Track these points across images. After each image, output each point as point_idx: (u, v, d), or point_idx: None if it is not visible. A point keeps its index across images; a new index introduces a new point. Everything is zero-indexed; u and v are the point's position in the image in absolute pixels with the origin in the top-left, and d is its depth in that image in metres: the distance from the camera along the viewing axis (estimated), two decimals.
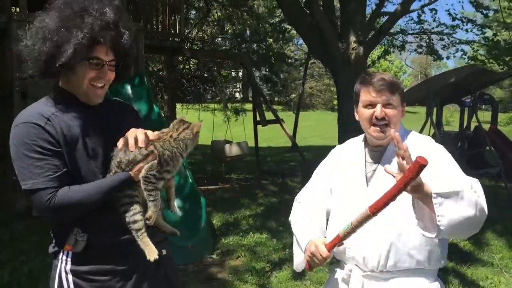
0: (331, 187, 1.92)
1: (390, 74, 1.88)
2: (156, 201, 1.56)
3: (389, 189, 1.44)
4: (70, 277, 1.56)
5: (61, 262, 1.57)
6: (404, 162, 1.44)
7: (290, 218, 2.01)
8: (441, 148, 1.76)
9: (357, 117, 1.85)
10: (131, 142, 1.54)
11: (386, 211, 1.59)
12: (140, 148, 1.54)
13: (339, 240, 1.63)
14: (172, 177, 1.65)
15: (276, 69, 16.02)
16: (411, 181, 1.38)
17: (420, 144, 1.76)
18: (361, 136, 1.93)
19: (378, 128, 1.74)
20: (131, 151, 1.54)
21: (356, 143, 1.94)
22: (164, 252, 1.71)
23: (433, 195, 1.43)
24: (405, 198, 1.58)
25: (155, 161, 1.54)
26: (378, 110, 1.73)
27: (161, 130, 1.62)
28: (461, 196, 1.46)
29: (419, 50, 10.53)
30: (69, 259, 1.56)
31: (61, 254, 1.58)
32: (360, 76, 1.85)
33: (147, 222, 1.57)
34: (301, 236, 1.87)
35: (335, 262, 1.91)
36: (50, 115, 1.52)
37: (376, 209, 1.46)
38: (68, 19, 1.49)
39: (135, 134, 1.55)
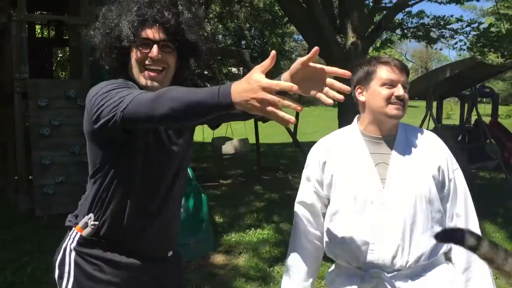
0: (330, 179, 1.75)
1: None
2: None
3: None
4: (73, 254, 1.59)
5: (69, 239, 1.61)
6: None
7: (291, 236, 1.88)
8: (453, 158, 1.77)
9: (361, 98, 1.74)
10: None
11: (410, 205, 1.64)
12: None
13: None
14: None
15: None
16: None
17: (432, 144, 1.75)
18: (350, 128, 1.82)
19: (399, 106, 1.65)
20: None
21: (346, 133, 1.81)
22: (170, 253, 1.73)
23: None
24: (426, 192, 1.65)
25: None
26: (401, 90, 1.65)
27: None
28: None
29: (418, 33, 10.43)
30: (76, 238, 1.60)
31: (72, 230, 1.62)
32: (368, 57, 1.78)
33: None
34: (290, 279, 1.83)
35: (342, 269, 1.78)
36: None
37: None
38: (123, 4, 1.51)
39: None
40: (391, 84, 1.66)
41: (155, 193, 1.59)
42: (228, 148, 8.39)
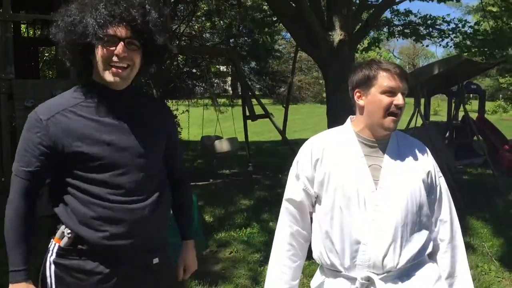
0: (322, 177, 1.73)
1: None
2: None
3: None
4: (52, 267, 1.59)
5: (49, 252, 1.61)
6: None
7: (276, 234, 1.87)
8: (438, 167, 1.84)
9: (360, 102, 1.72)
10: None
11: (402, 207, 1.66)
12: None
13: None
14: None
15: (264, 59, 16.02)
16: None
17: (420, 151, 1.81)
18: (342, 128, 1.81)
19: (395, 118, 1.67)
20: None
21: (340, 133, 1.80)
22: (156, 260, 1.70)
23: None
24: (415, 194, 1.69)
25: None
26: (401, 99, 1.66)
27: None
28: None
29: (405, 31, 10.46)
30: (54, 250, 1.59)
31: (51, 243, 1.61)
32: (367, 61, 1.75)
33: None
34: (277, 279, 1.83)
35: (329, 273, 1.76)
36: (62, 110, 1.55)
37: None
38: (85, 2, 1.51)
39: None
40: (392, 92, 1.66)
41: (110, 196, 1.56)
42: (217, 147, 8.38)
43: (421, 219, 1.71)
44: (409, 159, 1.74)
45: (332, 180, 1.71)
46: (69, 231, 1.56)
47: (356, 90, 1.74)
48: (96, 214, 1.54)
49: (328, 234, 1.71)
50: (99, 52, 1.51)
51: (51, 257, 1.59)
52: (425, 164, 1.77)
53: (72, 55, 1.56)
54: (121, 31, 1.50)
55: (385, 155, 1.72)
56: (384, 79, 1.66)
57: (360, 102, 1.73)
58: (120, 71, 1.53)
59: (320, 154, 1.76)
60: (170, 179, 1.80)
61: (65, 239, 1.56)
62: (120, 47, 1.50)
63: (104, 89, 1.57)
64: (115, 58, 1.51)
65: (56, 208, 1.59)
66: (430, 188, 1.76)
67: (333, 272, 1.73)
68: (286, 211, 1.84)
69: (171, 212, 1.84)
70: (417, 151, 1.79)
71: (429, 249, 1.76)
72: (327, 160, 1.74)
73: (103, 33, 1.48)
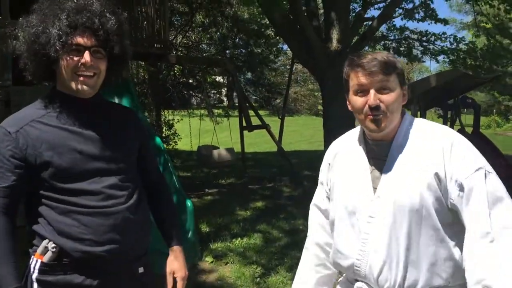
0: (331, 185, 1.65)
1: (385, 52, 1.58)
2: None
3: None
4: (35, 286, 1.54)
5: (30, 270, 1.55)
6: None
7: (307, 242, 1.79)
8: (472, 154, 1.45)
9: (350, 108, 1.54)
10: None
11: (397, 219, 1.42)
12: None
13: None
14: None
15: (261, 70, 16.12)
16: None
17: (437, 145, 1.44)
18: (359, 127, 1.63)
19: (372, 117, 1.44)
20: None
21: (354, 135, 1.63)
22: (141, 270, 1.67)
23: None
24: (422, 209, 1.41)
25: None
26: (372, 98, 1.42)
27: None
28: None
29: (400, 49, 10.56)
30: (37, 268, 1.54)
31: (31, 260, 1.56)
32: (348, 58, 1.53)
33: None
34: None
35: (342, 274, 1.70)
36: (30, 122, 1.53)
37: None
38: (46, 12, 1.51)
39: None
40: (363, 90, 1.45)
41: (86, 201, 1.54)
42: (214, 157, 8.37)
43: (429, 233, 1.41)
44: (415, 159, 1.45)
45: (336, 189, 1.61)
46: (53, 245, 1.51)
47: (346, 94, 1.57)
48: (76, 222, 1.51)
49: (334, 244, 1.64)
50: (65, 61, 1.51)
51: (33, 275, 1.53)
52: (435, 163, 1.41)
53: (35, 67, 1.55)
54: (86, 40, 1.50)
55: (388, 158, 1.49)
56: (353, 78, 1.47)
57: (349, 107, 1.56)
58: (87, 79, 1.53)
59: (332, 160, 1.67)
60: (146, 182, 1.78)
61: (49, 254, 1.51)
62: (87, 56, 1.51)
63: (70, 98, 1.57)
64: (81, 67, 1.51)
65: (34, 224, 1.56)
66: (445, 193, 1.41)
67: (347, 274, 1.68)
68: (312, 218, 1.78)
69: (153, 219, 1.81)
70: (428, 147, 1.45)
71: (460, 275, 1.42)
72: (335, 167, 1.64)
73: (68, 43, 1.48)
